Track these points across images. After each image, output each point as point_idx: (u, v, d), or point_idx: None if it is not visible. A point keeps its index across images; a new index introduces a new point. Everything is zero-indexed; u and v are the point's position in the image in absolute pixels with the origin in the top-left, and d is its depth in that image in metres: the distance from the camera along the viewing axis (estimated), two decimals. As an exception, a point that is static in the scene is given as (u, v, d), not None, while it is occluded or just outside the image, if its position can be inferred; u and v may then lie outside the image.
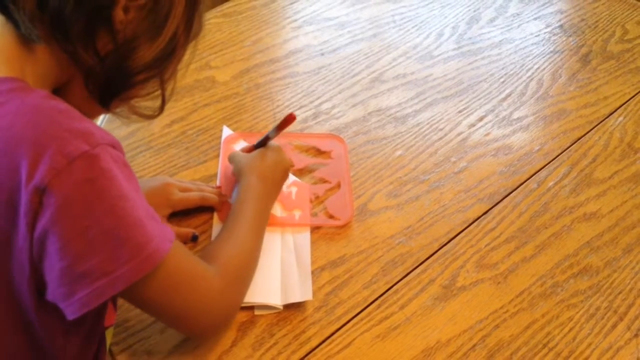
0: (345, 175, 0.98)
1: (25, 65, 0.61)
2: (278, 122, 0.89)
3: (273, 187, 0.88)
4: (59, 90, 0.66)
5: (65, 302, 0.60)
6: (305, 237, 0.89)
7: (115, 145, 0.61)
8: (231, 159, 0.93)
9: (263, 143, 0.92)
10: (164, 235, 0.64)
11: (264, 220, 0.84)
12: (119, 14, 0.61)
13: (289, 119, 0.87)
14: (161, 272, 0.64)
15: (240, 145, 1.01)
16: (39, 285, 0.61)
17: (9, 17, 0.60)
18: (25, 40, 0.61)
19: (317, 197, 0.95)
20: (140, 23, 0.63)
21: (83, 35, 0.61)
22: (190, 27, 0.67)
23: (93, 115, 0.71)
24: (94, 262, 0.59)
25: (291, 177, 0.97)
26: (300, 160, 1.00)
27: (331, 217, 0.93)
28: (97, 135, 0.59)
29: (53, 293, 0.60)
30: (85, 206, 0.57)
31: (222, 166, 0.98)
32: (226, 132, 1.03)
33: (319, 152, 1.02)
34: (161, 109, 0.71)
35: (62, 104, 0.60)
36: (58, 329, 0.66)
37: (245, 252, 0.78)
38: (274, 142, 0.92)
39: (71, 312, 0.60)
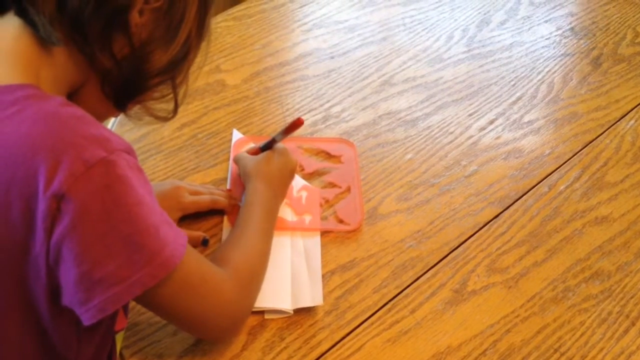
0: (355, 180, 0.98)
1: (41, 70, 0.62)
2: (286, 125, 0.89)
3: (280, 190, 0.89)
4: (72, 94, 0.66)
5: (82, 308, 0.60)
6: (315, 241, 0.89)
7: (129, 151, 0.61)
8: (237, 160, 0.94)
9: (269, 146, 0.92)
10: (177, 240, 0.64)
11: (271, 223, 0.85)
12: (134, 17, 0.62)
13: (297, 123, 0.87)
14: (176, 276, 0.64)
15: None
16: (55, 291, 0.61)
17: (27, 19, 0.60)
18: (42, 43, 0.61)
19: (327, 202, 0.95)
20: (155, 26, 0.64)
21: (100, 37, 0.62)
22: (202, 30, 0.69)
23: (107, 117, 0.71)
24: (110, 268, 0.59)
25: (301, 182, 0.97)
26: (310, 164, 1.00)
27: (341, 221, 0.92)
28: (114, 141, 0.59)
29: (69, 299, 0.60)
30: (103, 212, 0.58)
31: (232, 169, 0.98)
32: (236, 135, 1.04)
33: (328, 157, 1.02)
34: (174, 111, 0.72)
35: (79, 111, 0.60)
36: (72, 334, 0.66)
37: (255, 254, 0.79)
38: (280, 145, 0.92)
39: (88, 318, 0.60)
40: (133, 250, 0.60)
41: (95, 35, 0.61)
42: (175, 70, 0.69)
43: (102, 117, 0.70)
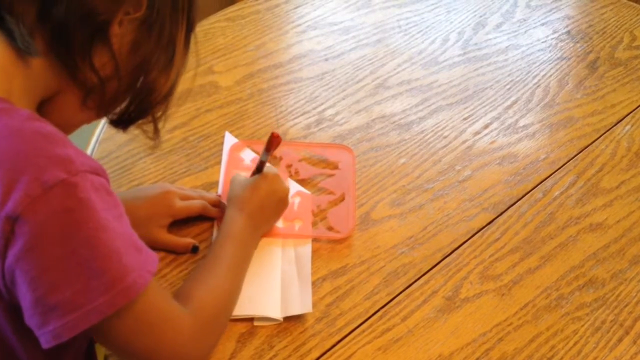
0: (350, 188, 0.96)
1: (14, 80, 0.60)
2: (266, 142, 0.85)
3: (261, 223, 0.85)
4: (45, 101, 0.64)
5: (39, 332, 0.58)
6: (306, 248, 0.88)
7: (98, 172, 0.59)
8: (231, 181, 0.89)
9: (259, 169, 0.87)
10: (145, 267, 0.61)
11: (245, 258, 0.81)
12: (114, 28, 0.61)
13: (273, 140, 0.83)
14: (135, 308, 0.62)
15: (246, 153, 1.00)
16: (17, 310, 0.59)
17: (4, 29, 0.58)
18: (19, 53, 0.59)
19: (319, 208, 0.94)
20: (142, 44, 0.64)
21: (83, 50, 0.61)
22: (187, 52, 0.70)
23: (81, 125, 0.70)
24: (67, 294, 0.57)
25: (295, 187, 0.95)
26: (306, 170, 0.99)
27: (332, 229, 0.91)
28: (78, 162, 0.57)
29: (28, 320, 0.59)
30: (60, 236, 0.56)
31: (224, 174, 0.96)
32: (229, 138, 1.02)
33: (325, 162, 1.01)
34: (155, 134, 0.73)
35: (46, 127, 0.58)
36: (40, 353, 0.64)
37: (221, 293, 0.75)
38: (271, 168, 0.88)
39: (45, 342, 0.58)
40: (91, 277, 0.57)
41: (78, 47, 0.60)
42: (172, 94, 0.70)
43: (76, 126, 0.69)
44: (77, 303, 0.57)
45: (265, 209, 0.85)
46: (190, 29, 0.68)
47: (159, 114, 0.71)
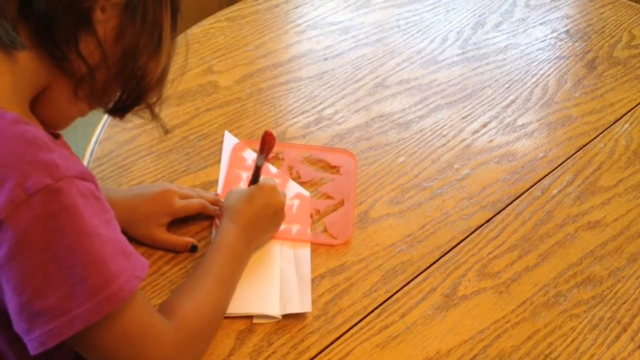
0: (350, 194, 0.96)
1: (1, 79, 0.59)
2: (259, 144, 0.83)
3: (255, 235, 0.83)
4: (38, 96, 0.64)
5: (26, 338, 0.58)
6: (305, 250, 0.88)
7: (85, 177, 0.58)
8: (228, 192, 0.88)
9: (255, 176, 0.86)
10: (133, 272, 0.61)
11: (236, 272, 0.80)
12: (97, 15, 0.60)
13: (267, 138, 0.82)
14: (119, 318, 0.61)
15: (248, 153, 1.01)
16: (7, 317, 0.59)
17: None
18: (4, 49, 0.58)
19: (317, 211, 0.94)
20: (125, 28, 0.63)
21: (68, 39, 0.60)
22: (175, 34, 0.68)
23: (76, 117, 0.69)
24: (51, 300, 0.56)
25: (295, 188, 0.96)
26: (308, 173, 0.99)
27: (329, 234, 0.91)
28: (63, 167, 0.56)
29: (16, 327, 0.58)
30: (44, 242, 0.55)
31: (226, 173, 0.97)
32: (228, 137, 1.03)
33: (327, 167, 1.01)
34: (154, 119, 0.72)
35: (31, 131, 0.57)
36: (32, 358, 0.63)
37: (208, 307, 0.73)
38: (268, 179, 0.87)
39: (32, 348, 0.58)
40: (75, 283, 0.57)
41: (63, 38, 0.59)
42: (165, 78, 0.69)
43: (71, 119, 0.68)
44: (61, 309, 0.56)
45: (259, 221, 0.84)
46: (175, 10, 0.67)
47: (154, 99, 0.70)
